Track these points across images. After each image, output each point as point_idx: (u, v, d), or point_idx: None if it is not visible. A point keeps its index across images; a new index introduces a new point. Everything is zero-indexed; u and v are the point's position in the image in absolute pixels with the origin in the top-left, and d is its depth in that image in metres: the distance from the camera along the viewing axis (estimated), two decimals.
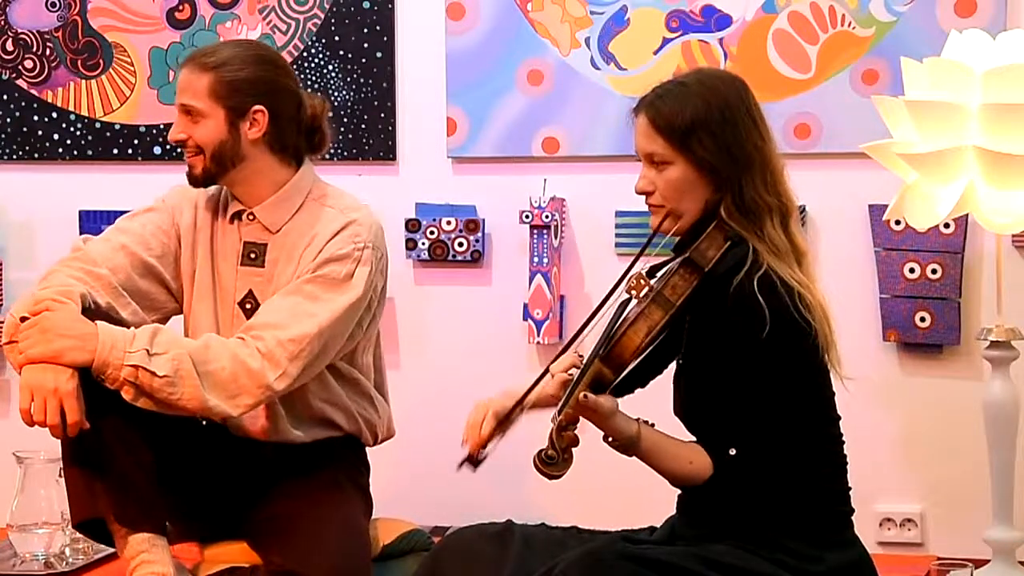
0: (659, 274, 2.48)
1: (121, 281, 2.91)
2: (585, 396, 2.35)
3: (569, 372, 2.53)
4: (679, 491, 2.54)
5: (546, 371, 2.56)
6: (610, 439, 2.43)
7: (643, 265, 2.48)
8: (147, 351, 2.69)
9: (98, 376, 2.69)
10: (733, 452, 2.42)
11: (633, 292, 2.41)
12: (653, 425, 2.46)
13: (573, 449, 2.37)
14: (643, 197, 2.52)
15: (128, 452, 2.74)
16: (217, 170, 2.93)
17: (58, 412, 2.65)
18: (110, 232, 3.01)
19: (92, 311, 2.78)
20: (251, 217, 2.97)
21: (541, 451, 2.35)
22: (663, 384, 2.61)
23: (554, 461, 2.35)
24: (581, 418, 2.39)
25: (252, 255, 2.96)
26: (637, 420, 2.44)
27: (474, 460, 2.50)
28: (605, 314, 2.45)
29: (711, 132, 2.44)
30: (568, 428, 2.35)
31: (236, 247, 2.98)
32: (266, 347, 2.78)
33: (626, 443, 2.42)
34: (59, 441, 2.75)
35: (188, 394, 2.71)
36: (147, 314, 2.93)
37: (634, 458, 2.45)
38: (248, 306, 2.95)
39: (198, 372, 2.72)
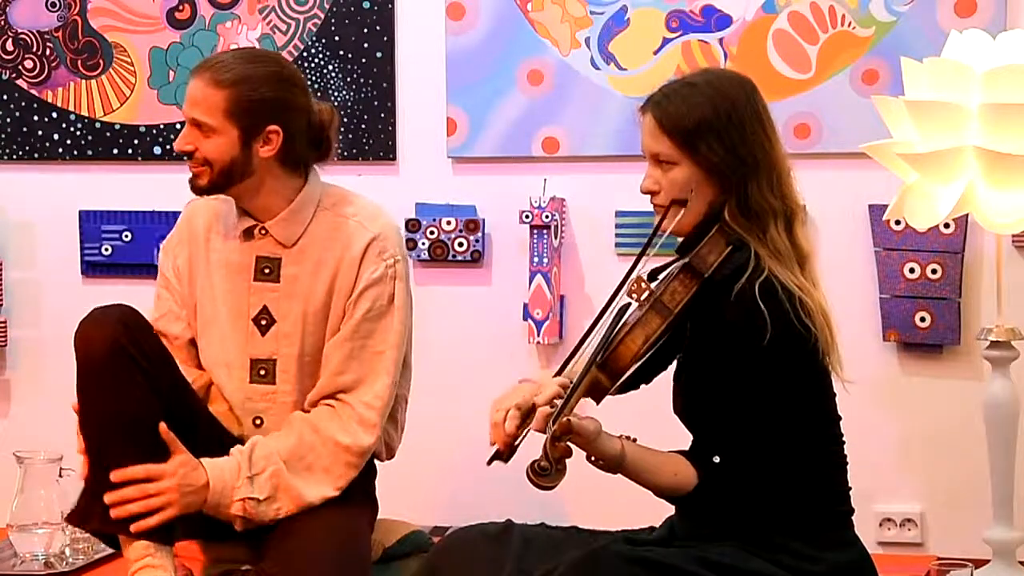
0: (660, 276, 2.47)
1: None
2: (569, 420, 2.30)
3: (565, 379, 2.50)
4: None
5: (564, 366, 2.53)
6: (593, 459, 2.40)
7: (645, 267, 2.47)
8: (249, 479, 2.77)
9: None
10: (717, 459, 2.41)
11: (634, 296, 2.41)
12: (635, 440, 2.44)
13: (567, 460, 2.33)
14: (648, 196, 2.51)
15: (138, 453, 2.72)
16: (224, 183, 2.86)
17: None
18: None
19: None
20: (263, 232, 2.91)
21: (534, 462, 2.31)
22: (663, 385, 2.61)
23: (547, 472, 2.31)
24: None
25: (267, 270, 2.91)
26: (620, 437, 2.41)
27: (504, 456, 2.45)
28: (607, 316, 2.43)
29: (718, 134, 2.43)
30: (562, 438, 2.31)
31: (249, 263, 2.92)
32: (358, 414, 2.84)
33: (612, 463, 2.40)
34: (61, 441, 2.74)
35: (289, 504, 2.80)
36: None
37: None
38: (263, 322, 2.90)
39: (296, 473, 2.80)
